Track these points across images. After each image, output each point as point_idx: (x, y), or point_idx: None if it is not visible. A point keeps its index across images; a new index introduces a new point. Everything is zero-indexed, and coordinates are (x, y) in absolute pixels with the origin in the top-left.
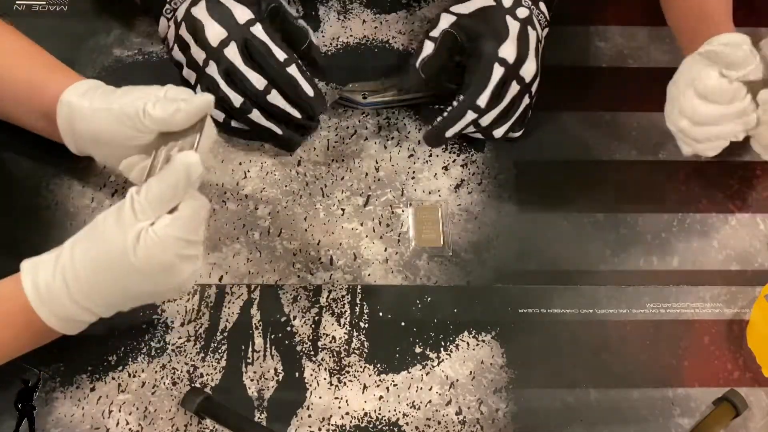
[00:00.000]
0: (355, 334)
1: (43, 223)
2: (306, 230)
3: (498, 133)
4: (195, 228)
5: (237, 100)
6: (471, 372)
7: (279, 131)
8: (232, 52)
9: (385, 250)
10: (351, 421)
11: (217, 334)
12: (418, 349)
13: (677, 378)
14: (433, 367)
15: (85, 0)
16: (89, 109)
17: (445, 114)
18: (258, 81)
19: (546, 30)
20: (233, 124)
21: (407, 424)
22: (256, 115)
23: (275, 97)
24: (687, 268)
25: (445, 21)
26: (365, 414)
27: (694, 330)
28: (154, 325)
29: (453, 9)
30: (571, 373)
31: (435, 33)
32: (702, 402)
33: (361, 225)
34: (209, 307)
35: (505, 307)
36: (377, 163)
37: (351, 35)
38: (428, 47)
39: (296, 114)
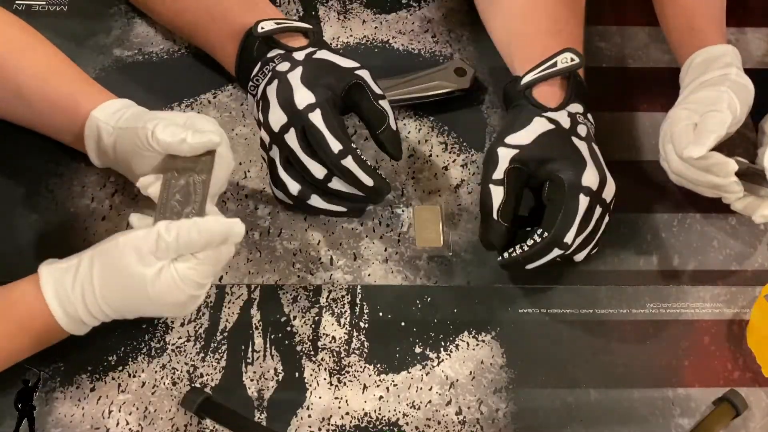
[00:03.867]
0: (355, 334)
1: (43, 223)
2: (306, 230)
3: (580, 257)
4: (213, 274)
5: (294, 187)
6: (471, 372)
7: (342, 209)
8: (292, 139)
9: (385, 250)
10: (351, 421)
11: (217, 334)
12: (418, 349)
13: (677, 378)
14: (433, 367)
15: (85, 0)
16: (113, 128)
17: (527, 248)
18: (318, 170)
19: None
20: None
21: (407, 424)
22: (315, 200)
23: (336, 183)
24: (687, 268)
25: (504, 156)
26: (365, 414)
27: (694, 330)
28: (154, 325)
29: (508, 140)
30: (571, 373)
31: (498, 174)
32: (702, 402)
33: (361, 225)
34: (209, 307)
35: (505, 307)
36: (377, 163)
37: (351, 35)
38: (497, 193)
39: (359, 194)
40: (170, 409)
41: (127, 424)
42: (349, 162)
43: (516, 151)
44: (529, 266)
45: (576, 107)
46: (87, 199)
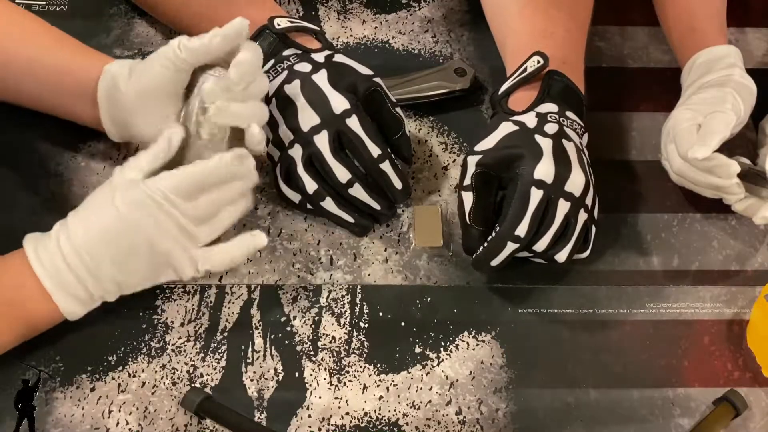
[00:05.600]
0: (355, 334)
1: (44, 222)
2: (306, 230)
3: (561, 257)
4: (187, 190)
5: (311, 186)
6: (471, 372)
7: (351, 220)
8: (322, 141)
9: (385, 250)
10: (351, 421)
11: (217, 334)
12: (418, 349)
13: (677, 378)
14: (433, 367)
15: (85, 0)
16: (130, 69)
17: (486, 244)
18: (343, 174)
19: (585, 136)
20: (309, 206)
21: (407, 424)
22: (328, 203)
23: (357, 190)
24: (687, 268)
25: (472, 163)
26: (365, 414)
27: (694, 330)
28: (154, 325)
29: (476, 148)
30: (571, 373)
31: (467, 181)
32: (702, 402)
33: None
34: (209, 307)
35: (505, 307)
36: None
37: (351, 35)
38: (468, 198)
39: (375, 206)
40: (170, 409)
41: (127, 424)
42: (386, 165)
43: (480, 156)
44: (493, 263)
45: (548, 107)
46: None
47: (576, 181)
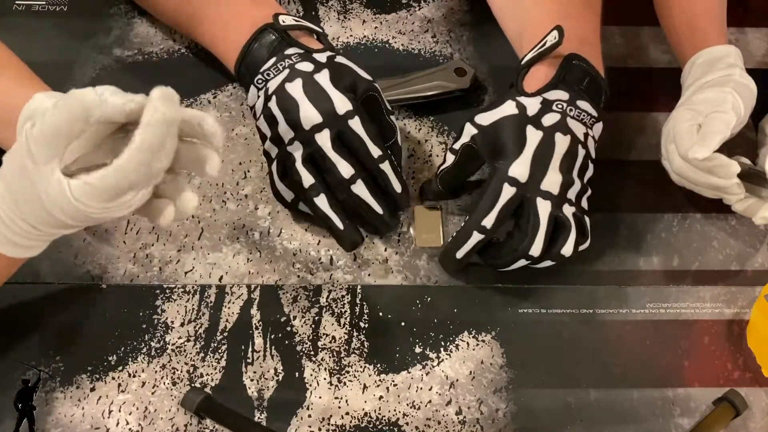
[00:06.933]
0: (355, 334)
1: None
2: (306, 230)
3: (567, 250)
4: (108, 195)
5: (308, 180)
6: (471, 372)
7: (340, 226)
8: (324, 139)
9: (385, 250)
10: (351, 421)
11: (217, 334)
12: (418, 349)
13: (677, 378)
14: (433, 367)
15: (85, 0)
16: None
17: (453, 236)
18: (346, 169)
19: (597, 126)
20: (300, 206)
21: (407, 424)
22: (320, 200)
23: (359, 187)
24: (687, 268)
25: (467, 133)
26: (365, 414)
27: (694, 330)
28: (154, 325)
29: (476, 119)
30: (571, 373)
31: (457, 145)
32: (702, 402)
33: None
34: (209, 307)
35: (505, 307)
36: None
37: (351, 35)
38: (449, 159)
39: (377, 208)
40: (170, 409)
41: (127, 424)
42: (386, 166)
43: (476, 131)
44: (458, 254)
45: (558, 94)
46: None
47: (552, 181)
